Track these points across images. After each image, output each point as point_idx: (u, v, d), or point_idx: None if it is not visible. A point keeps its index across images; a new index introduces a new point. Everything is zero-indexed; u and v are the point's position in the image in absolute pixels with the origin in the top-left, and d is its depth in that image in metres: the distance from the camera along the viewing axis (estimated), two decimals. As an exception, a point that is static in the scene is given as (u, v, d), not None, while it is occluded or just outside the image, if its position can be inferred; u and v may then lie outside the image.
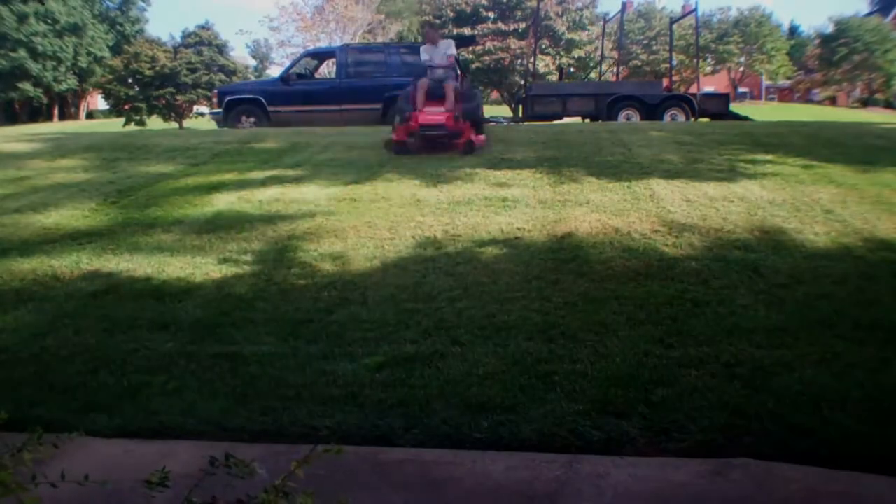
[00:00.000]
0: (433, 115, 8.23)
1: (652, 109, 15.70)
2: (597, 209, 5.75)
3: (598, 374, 3.03)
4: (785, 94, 57.60)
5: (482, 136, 8.82)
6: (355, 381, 3.04)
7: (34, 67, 39.67)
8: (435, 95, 8.59)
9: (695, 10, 18.89)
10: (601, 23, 31.08)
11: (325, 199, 6.26)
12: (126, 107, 37.44)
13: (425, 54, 9.13)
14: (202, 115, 34.47)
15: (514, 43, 35.53)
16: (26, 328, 3.75)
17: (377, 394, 2.92)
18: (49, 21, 39.75)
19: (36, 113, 43.10)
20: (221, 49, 41.30)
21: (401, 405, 2.82)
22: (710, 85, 43.50)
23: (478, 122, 9.10)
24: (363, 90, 13.50)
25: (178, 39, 42.66)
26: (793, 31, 59.59)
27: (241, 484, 1.34)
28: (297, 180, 7.08)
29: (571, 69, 37.19)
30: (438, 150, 8.15)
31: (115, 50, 42.70)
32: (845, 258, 4.57)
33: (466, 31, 33.55)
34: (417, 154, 8.05)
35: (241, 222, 5.64)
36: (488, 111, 31.36)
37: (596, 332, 3.48)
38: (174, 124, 35.97)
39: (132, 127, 32.87)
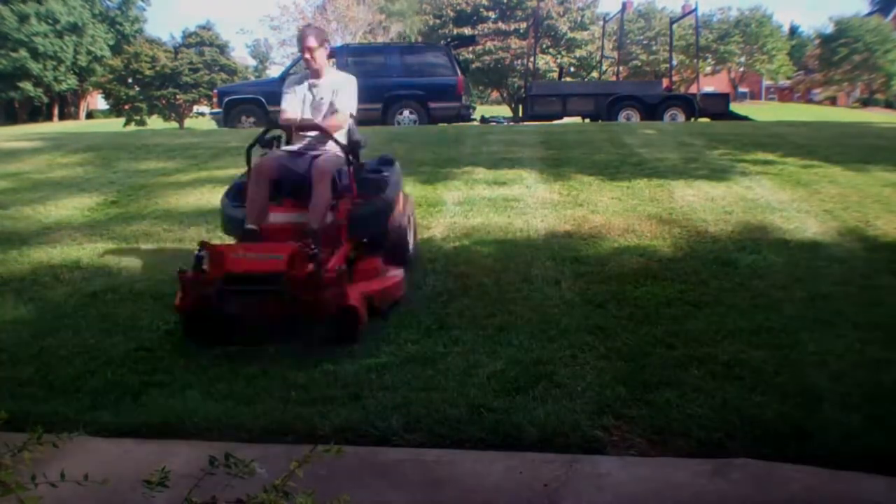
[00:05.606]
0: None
1: (652, 109, 15.72)
2: (597, 209, 5.75)
3: (598, 374, 3.03)
4: (785, 94, 57.57)
5: (395, 277, 3.91)
6: (356, 380, 3.04)
7: (34, 67, 39.59)
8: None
9: (695, 10, 18.92)
10: (601, 23, 31.09)
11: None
12: (126, 107, 37.45)
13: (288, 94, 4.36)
14: (202, 114, 34.52)
15: (514, 43, 35.55)
16: (26, 328, 3.75)
17: (378, 394, 2.92)
18: (49, 21, 39.68)
19: (36, 113, 43.04)
20: (222, 49, 41.36)
21: (401, 405, 2.81)
22: (710, 85, 43.45)
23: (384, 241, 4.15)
24: (363, 90, 13.51)
25: (179, 39, 42.72)
26: (793, 31, 59.57)
27: (241, 484, 1.34)
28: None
29: (572, 68, 37.20)
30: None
31: (115, 50, 42.67)
32: (845, 258, 4.57)
33: (467, 30, 33.58)
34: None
35: (241, 222, 5.62)
36: (488, 111, 31.29)
37: (596, 331, 3.48)
38: (174, 124, 35.98)
39: (132, 127, 32.89)
